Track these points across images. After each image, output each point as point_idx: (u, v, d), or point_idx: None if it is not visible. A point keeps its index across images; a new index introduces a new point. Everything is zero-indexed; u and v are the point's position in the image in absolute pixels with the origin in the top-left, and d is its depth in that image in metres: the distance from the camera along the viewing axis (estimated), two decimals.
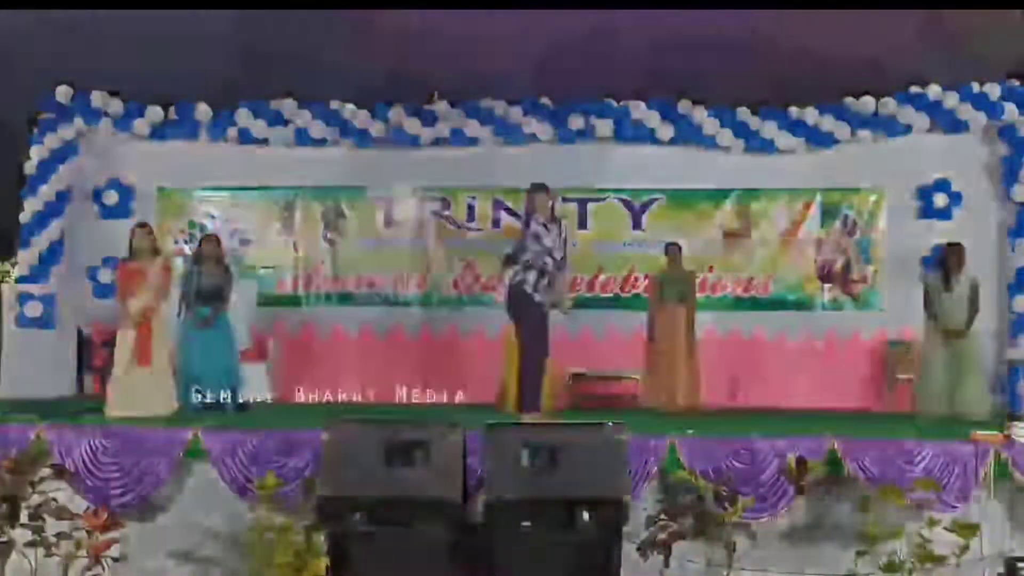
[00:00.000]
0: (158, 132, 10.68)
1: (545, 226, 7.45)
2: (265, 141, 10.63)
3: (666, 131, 10.43)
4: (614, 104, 10.51)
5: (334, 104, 10.64)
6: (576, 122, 10.43)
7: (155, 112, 10.64)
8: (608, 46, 9.59)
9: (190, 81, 10.15)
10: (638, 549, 5.71)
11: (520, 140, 10.52)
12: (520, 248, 7.47)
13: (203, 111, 10.63)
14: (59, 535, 5.74)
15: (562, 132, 10.48)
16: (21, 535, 5.74)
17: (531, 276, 7.37)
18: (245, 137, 10.64)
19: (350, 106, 10.63)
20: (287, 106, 10.63)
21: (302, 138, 10.61)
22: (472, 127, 10.54)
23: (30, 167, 10.62)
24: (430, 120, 10.55)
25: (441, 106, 10.59)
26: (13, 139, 11.09)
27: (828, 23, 9.15)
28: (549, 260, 7.40)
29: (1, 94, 9.83)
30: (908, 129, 10.29)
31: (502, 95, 10.58)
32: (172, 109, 10.69)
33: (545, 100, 10.58)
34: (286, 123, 10.61)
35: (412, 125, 10.54)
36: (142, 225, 8.07)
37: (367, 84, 10.29)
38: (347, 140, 10.63)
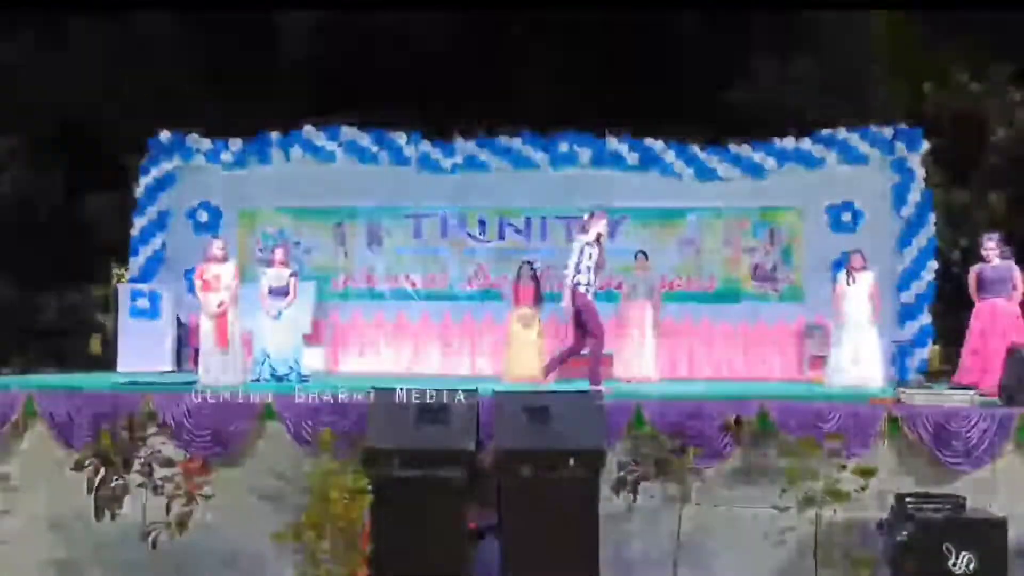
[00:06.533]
0: (238, 160, 10.68)
1: (595, 241, 7.64)
2: (328, 160, 10.57)
3: (633, 160, 10.39)
4: (592, 137, 10.45)
5: (389, 133, 10.57)
6: (562, 151, 10.36)
7: (235, 144, 10.66)
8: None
9: (263, 112, 10.17)
10: (612, 488, 5.75)
11: (520, 167, 10.49)
12: (580, 257, 7.60)
13: (273, 140, 10.62)
14: (163, 479, 5.77)
15: (552, 160, 10.43)
16: (134, 479, 5.78)
17: (585, 279, 7.55)
18: (310, 156, 10.58)
19: (399, 134, 10.56)
20: (344, 132, 10.57)
21: (360, 157, 10.55)
22: (484, 156, 10.49)
23: (139, 193, 10.71)
24: (451, 151, 10.54)
25: (459, 139, 10.57)
26: (126, 173, 11.18)
27: (763, 77, 9.14)
28: (594, 267, 7.61)
29: (117, 141, 9.91)
30: (822, 162, 10.27)
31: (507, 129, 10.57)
32: (248, 141, 10.65)
33: (540, 134, 10.52)
34: (340, 147, 10.55)
35: (436, 153, 10.53)
36: (216, 238, 8.22)
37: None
38: (391, 166, 10.58)
